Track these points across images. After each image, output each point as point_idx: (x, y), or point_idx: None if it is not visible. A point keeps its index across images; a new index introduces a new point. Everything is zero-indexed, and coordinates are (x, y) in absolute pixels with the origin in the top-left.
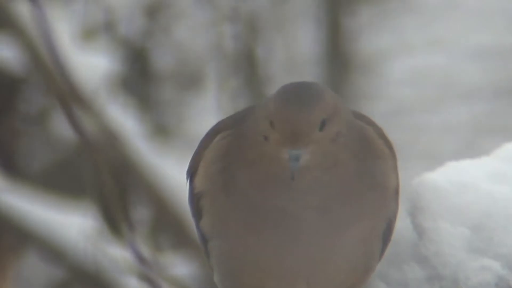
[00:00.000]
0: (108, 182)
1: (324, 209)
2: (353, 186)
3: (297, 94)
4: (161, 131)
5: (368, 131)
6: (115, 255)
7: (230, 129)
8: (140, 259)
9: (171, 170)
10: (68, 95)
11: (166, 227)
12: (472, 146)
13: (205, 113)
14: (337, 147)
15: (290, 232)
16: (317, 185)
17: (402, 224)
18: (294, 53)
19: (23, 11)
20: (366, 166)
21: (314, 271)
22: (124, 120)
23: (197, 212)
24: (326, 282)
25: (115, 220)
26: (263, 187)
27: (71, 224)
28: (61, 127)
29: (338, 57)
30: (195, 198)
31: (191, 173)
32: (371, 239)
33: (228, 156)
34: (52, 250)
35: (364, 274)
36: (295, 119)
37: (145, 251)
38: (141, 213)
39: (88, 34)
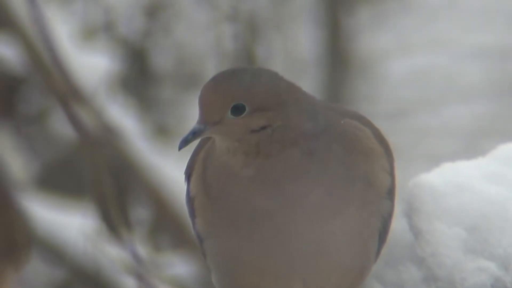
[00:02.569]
0: (107, 181)
1: (300, 196)
2: (322, 177)
3: (224, 76)
4: (161, 131)
5: (358, 131)
6: (115, 255)
7: None
8: (137, 259)
9: (171, 170)
10: (68, 93)
11: (165, 227)
12: (473, 148)
13: None
14: (259, 138)
15: (270, 228)
16: (271, 177)
17: (398, 225)
18: (294, 53)
19: (22, 10)
20: (345, 160)
21: (309, 268)
22: (124, 120)
23: (192, 213)
24: (322, 282)
25: (113, 220)
26: (228, 185)
27: (71, 224)
28: (61, 127)
29: (338, 57)
30: (191, 199)
31: (188, 175)
32: (366, 236)
33: (206, 159)
34: (52, 250)
35: (360, 274)
36: (205, 95)
37: (142, 251)
38: (141, 213)
39: (88, 34)
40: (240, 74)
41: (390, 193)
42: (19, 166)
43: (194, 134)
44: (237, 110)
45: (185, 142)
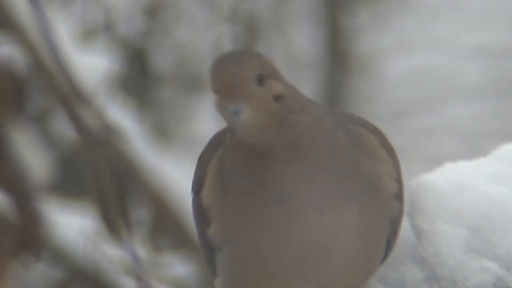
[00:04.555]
0: (108, 181)
1: (309, 180)
2: (332, 168)
3: (230, 54)
4: (161, 131)
5: (364, 136)
6: (115, 255)
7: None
8: (136, 259)
9: (171, 170)
10: (70, 93)
11: (165, 227)
12: (474, 148)
13: (205, 113)
14: (283, 108)
15: (288, 211)
16: (293, 155)
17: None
18: (294, 53)
19: (23, 10)
20: (352, 159)
21: (314, 267)
22: (123, 120)
23: (204, 221)
24: (326, 283)
25: (113, 220)
26: (253, 178)
27: (71, 224)
28: (61, 127)
29: (338, 57)
30: (200, 208)
31: (197, 184)
32: (371, 239)
33: (222, 157)
34: (52, 250)
35: (365, 275)
36: (228, 72)
37: (142, 251)
38: (141, 213)
39: (88, 34)
40: (248, 51)
41: (398, 198)
42: (33, 166)
43: (237, 114)
44: (261, 80)
45: (235, 124)
